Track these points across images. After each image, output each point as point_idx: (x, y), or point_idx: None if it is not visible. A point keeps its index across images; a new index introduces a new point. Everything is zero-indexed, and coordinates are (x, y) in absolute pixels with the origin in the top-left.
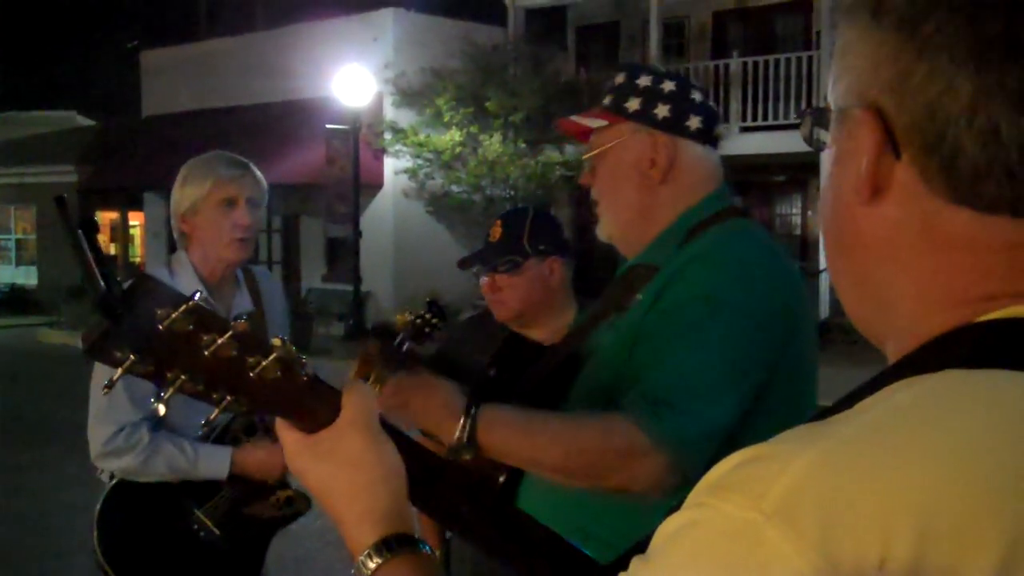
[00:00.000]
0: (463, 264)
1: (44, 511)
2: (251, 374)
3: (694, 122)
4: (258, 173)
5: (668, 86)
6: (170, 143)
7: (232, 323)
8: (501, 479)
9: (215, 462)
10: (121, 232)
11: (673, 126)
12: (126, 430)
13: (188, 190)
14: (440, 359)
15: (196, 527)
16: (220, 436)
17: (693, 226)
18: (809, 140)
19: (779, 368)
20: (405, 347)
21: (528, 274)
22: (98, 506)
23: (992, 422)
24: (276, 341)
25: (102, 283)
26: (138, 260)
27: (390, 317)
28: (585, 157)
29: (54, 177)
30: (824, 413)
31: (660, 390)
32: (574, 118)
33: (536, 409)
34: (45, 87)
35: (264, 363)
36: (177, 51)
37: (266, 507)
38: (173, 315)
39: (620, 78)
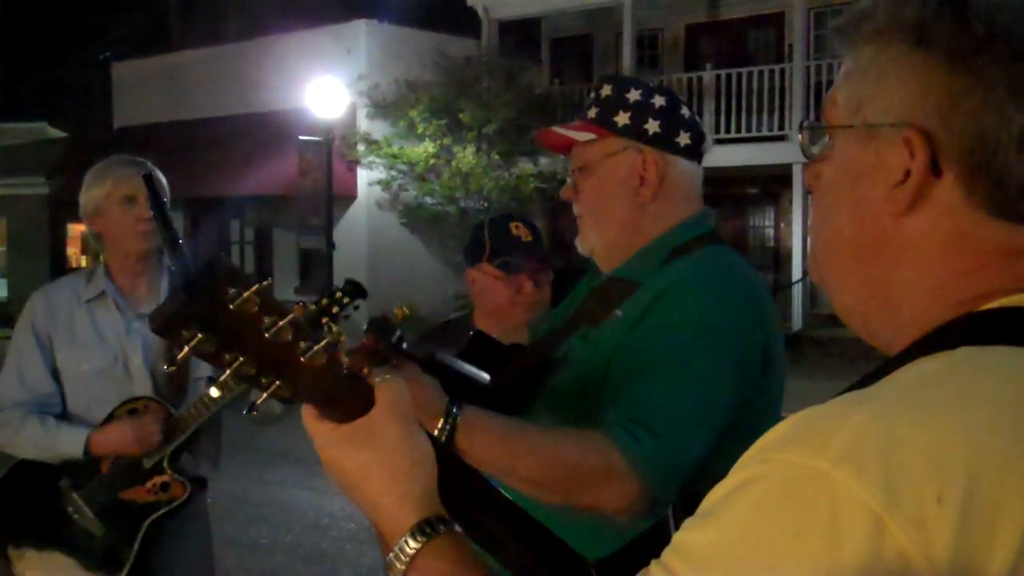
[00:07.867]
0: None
1: None
2: (301, 359)
3: (683, 138)
4: (157, 172)
5: (659, 101)
6: (142, 155)
7: (293, 307)
8: None
9: (72, 441)
10: (92, 244)
11: (663, 142)
12: (7, 409)
13: (92, 192)
14: (435, 360)
15: (71, 509)
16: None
17: (676, 246)
18: (807, 151)
19: (755, 393)
20: (404, 344)
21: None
22: None
23: (1014, 384)
24: (335, 328)
25: (184, 261)
26: None
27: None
28: (571, 170)
29: (25, 189)
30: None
31: (641, 413)
32: (558, 129)
33: (516, 418)
34: (15, 98)
35: (315, 349)
36: (149, 63)
37: (142, 492)
38: (245, 295)
39: (607, 90)
